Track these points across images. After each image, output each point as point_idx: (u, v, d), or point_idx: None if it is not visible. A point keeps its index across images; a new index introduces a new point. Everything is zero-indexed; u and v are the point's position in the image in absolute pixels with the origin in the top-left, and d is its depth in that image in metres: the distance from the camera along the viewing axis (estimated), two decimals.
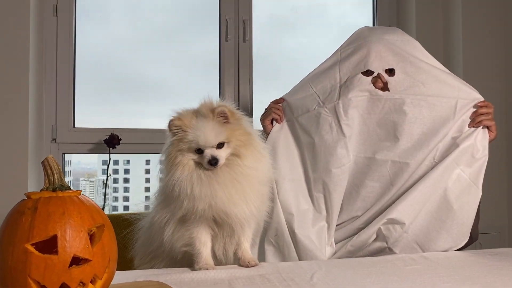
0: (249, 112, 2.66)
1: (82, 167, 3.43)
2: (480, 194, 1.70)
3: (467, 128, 1.72)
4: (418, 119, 1.72)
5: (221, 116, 1.38)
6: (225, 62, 2.92)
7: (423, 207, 1.68)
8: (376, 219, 1.70)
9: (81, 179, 3.51)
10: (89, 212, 0.98)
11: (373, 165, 1.74)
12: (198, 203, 1.34)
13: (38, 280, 0.90)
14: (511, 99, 2.95)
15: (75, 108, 2.76)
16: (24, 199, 0.97)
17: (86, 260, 0.94)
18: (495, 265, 1.43)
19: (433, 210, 1.68)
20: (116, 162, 3.38)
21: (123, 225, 1.64)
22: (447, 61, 3.01)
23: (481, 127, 1.72)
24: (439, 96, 1.73)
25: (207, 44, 3.01)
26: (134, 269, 1.51)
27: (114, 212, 3.05)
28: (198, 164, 1.37)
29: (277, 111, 1.84)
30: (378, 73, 1.73)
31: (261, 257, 1.67)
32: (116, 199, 3.55)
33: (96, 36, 2.92)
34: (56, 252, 0.91)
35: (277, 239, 1.70)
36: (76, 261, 0.93)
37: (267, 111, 1.87)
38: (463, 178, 1.69)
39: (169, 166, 1.37)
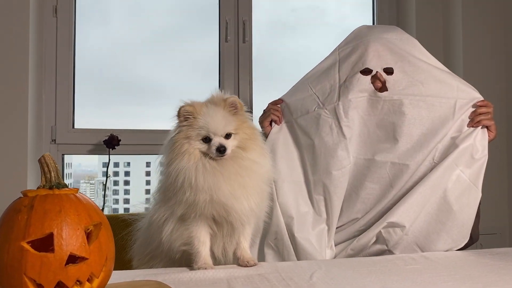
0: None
1: (83, 169, 3.43)
2: (480, 195, 1.68)
3: (466, 128, 1.71)
4: (417, 120, 1.70)
5: (232, 107, 1.41)
6: (225, 63, 2.92)
7: (423, 209, 1.66)
8: (376, 223, 1.69)
9: (81, 181, 3.51)
10: (86, 210, 0.97)
11: (373, 167, 1.72)
12: (200, 194, 1.34)
13: (34, 278, 0.89)
14: (511, 98, 2.94)
15: (74, 109, 2.76)
16: (20, 197, 0.97)
17: (82, 259, 0.93)
18: (496, 264, 1.42)
19: (433, 212, 1.67)
20: (116, 164, 3.38)
21: (122, 225, 1.63)
22: (447, 61, 3.00)
23: (480, 127, 1.71)
24: (437, 97, 1.71)
25: (207, 45, 3.01)
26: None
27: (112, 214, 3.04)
28: (204, 155, 1.38)
29: (276, 112, 1.82)
30: (377, 72, 1.72)
31: (261, 260, 1.65)
32: (116, 201, 3.55)
33: (96, 37, 2.92)
34: (52, 250, 0.90)
35: (277, 242, 1.69)
36: (73, 259, 0.92)
37: (266, 113, 1.85)
38: (462, 179, 1.67)
39: (174, 154, 1.37)
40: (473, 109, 1.72)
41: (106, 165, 2.71)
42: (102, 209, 2.58)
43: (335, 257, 1.72)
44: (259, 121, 1.85)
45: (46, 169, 0.99)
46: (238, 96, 2.84)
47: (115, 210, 3.37)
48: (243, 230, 1.44)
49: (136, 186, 3.52)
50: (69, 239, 0.91)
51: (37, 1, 2.60)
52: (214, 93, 1.45)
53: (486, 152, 1.70)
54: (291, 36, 3.25)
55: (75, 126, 2.76)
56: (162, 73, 3.02)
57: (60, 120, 2.70)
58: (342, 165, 1.71)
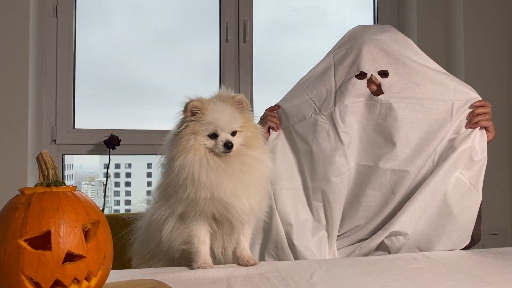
0: None
1: (84, 171, 3.44)
2: (481, 198, 1.66)
3: (464, 129, 1.68)
4: (414, 124, 1.67)
5: (239, 105, 1.42)
6: (225, 63, 2.91)
7: (424, 213, 1.65)
8: (379, 232, 1.66)
9: (82, 182, 3.52)
10: (84, 208, 0.96)
11: (373, 174, 1.70)
12: (201, 191, 1.33)
13: (31, 277, 0.88)
14: None
15: (75, 109, 2.76)
16: (17, 195, 0.96)
17: (80, 257, 0.92)
18: (498, 264, 1.40)
19: (434, 215, 1.65)
20: (118, 166, 3.38)
21: (121, 225, 1.63)
22: (449, 62, 3.00)
23: (478, 128, 1.67)
24: (434, 99, 1.68)
25: (207, 45, 3.01)
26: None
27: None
28: (208, 151, 1.38)
29: (273, 118, 1.79)
30: (371, 75, 1.69)
31: None
32: (117, 202, 3.55)
33: (96, 37, 2.92)
34: (49, 248, 0.89)
35: (277, 251, 1.68)
36: (70, 257, 0.91)
37: (263, 119, 1.82)
38: (462, 181, 1.65)
39: (180, 149, 1.36)
40: (471, 109, 1.69)
41: (107, 165, 2.71)
42: (103, 210, 2.58)
43: None
44: None
45: (43, 166, 0.99)
46: None
47: (116, 211, 3.37)
48: (243, 229, 1.44)
49: (137, 187, 3.52)
50: (67, 237, 0.90)
51: (37, 1, 2.60)
52: (221, 90, 1.46)
53: (485, 154, 1.67)
54: (292, 36, 3.24)
55: (75, 126, 2.76)
56: (163, 74, 3.02)
57: (60, 120, 2.70)
58: (341, 172, 1.69)
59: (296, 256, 1.66)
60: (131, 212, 1.81)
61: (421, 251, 1.66)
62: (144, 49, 3.02)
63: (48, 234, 0.89)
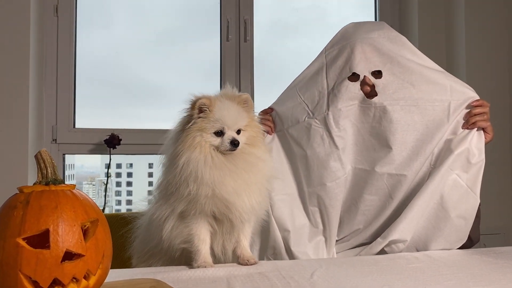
0: None
1: (85, 171, 3.44)
2: (478, 201, 1.63)
3: (461, 130, 1.64)
4: (411, 126, 1.63)
5: (245, 103, 1.44)
6: (226, 62, 2.91)
7: (422, 218, 1.63)
8: (378, 241, 1.64)
9: (84, 182, 3.52)
10: (82, 207, 0.95)
11: (370, 179, 1.67)
12: (203, 188, 1.33)
13: (29, 275, 0.87)
14: None
15: (75, 109, 2.76)
16: (16, 193, 0.95)
17: (79, 255, 0.91)
18: (500, 263, 1.40)
19: (431, 218, 1.63)
20: (119, 166, 3.38)
21: (121, 223, 1.63)
22: (450, 62, 2.99)
23: (476, 129, 1.63)
24: (430, 99, 1.64)
25: (208, 45, 3.00)
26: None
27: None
28: (213, 149, 1.38)
29: (267, 122, 1.75)
30: (364, 76, 1.64)
31: None
32: (119, 202, 3.55)
33: (97, 36, 2.92)
34: (48, 247, 0.88)
35: (275, 257, 1.67)
36: (69, 256, 0.90)
37: None
38: (459, 184, 1.61)
39: (186, 146, 1.36)
40: (468, 109, 1.64)
41: (108, 165, 2.71)
42: (103, 209, 2.57)
43: None
44: None
45: (42, 165, 0.98)
46: None
47: (117, 211, 3.37)
48: (243, 228, 1.43)
49: (138, 187, 3.52)
50: (65, 235, 0.90)
51: (38, 0, 2.60)
52: (225, 88, 1.47)
53: (483, 156, 1.62)
54: (292, 35, 3.24)
55: (76, 126, 2.76)
56: (163, 73, 3.02)
57: (61, 120, 2.70)
58: (336, 176, 1.66)
59: None
60: (132, 211, 1.81)
61: (418, 250, 1.64)
62: (145, 48, 3.02)
63: (46, 233, 0.89)
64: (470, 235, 1.65)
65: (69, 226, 0.91)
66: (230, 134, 1.38)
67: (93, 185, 3.54)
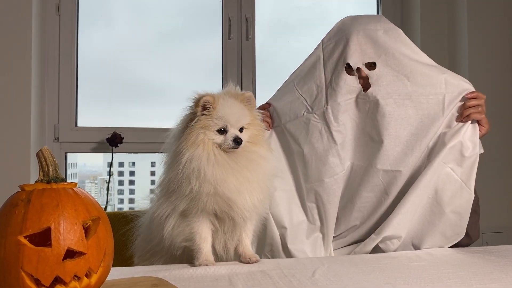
0: None
1: (88, 170, 3.44)
2: (473, 196, 1.60)
3: (455, 123, 1.61)
4: (404, 120, 1.60)
5: (248, 102, 1.45)
6: (227, 61, 2.91)
7: (416, 213, 1.62)
8: (372, 237, 1.63)
9: (86, 181, 3.52)
10: (84, 205, 0.96)
11: (365, 175, 1.65)
12: (204, 186, 1.33)
13: (31, 273, 0.87)
14: None
15: (77, 107, 2.76)
16: (18, 191, 0.96)
17: (80, 253, 0.91)
18: (502, 261, 1.39)
19: (426, 213, 1.62)
20: (121, 164, 3.39)
21: (123, 222, 1.62)
22: (452, 60, 2.99)
23: (470, 122, 1.61)
24: (424, 93, 1.61)
25: (210, 43, 3.00)
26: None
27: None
28: (215, 147, 1.38)
29: (265, 117, 1.72)
30: (358, 68, 1.62)
31: None
32: (121, 201, 3.55)
33: (99, 35, 2.92)
34: (49, 245, 0.88)
35: (273, 254, 1.66)
36: (71, 254, 0.91)
37: None
38: (453, 178, 1.59)
39: (189, 143, 1.36)
40: (463, 102, 1.61)
41: (109, 163, 2.71)
42: (105, 208, 2.58)
43: None
44: None
45: (44, 163, 0.98)
46: None
47: (120, 209, 3.37)
48: (245, 226, 1.43)
49: (140, 185, 3.52)
50: (67, 233, 0.90)
51: None
52: (228, 86, 1.47)
53: (477, 149, 1.60)
54: (294, 34, 3.23)
55: (78, 124, 2.76)
56: (165, 72, 3.02)
57: (63, 118, 2.70)
58: (335, 172, 1.64)
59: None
60: (135, 209, 1.81)
61: (414, 246, 1.64)
62: (147, 47, 3.02)
63: (48, 231, 0.89)
64: (468, 232, 1.63)
65: (70, 224, 0.91)
66: (233, 132, 1.38)
67: (95, 183, 3.54)
